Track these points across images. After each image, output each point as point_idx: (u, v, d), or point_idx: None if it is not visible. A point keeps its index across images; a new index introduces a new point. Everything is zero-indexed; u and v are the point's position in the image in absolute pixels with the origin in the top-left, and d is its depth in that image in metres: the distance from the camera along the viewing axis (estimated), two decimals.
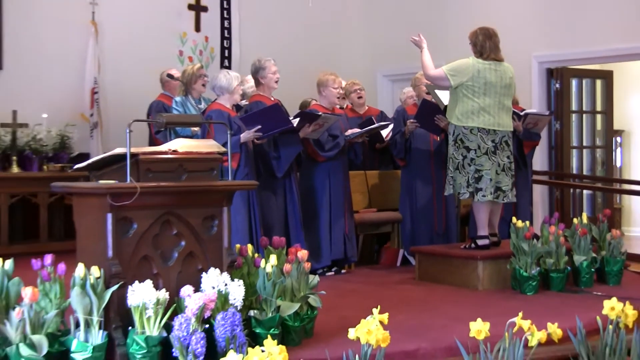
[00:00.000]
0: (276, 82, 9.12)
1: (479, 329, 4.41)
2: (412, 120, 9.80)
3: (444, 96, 9.09)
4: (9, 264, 5.28)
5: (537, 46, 12.84)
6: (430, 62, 8.69)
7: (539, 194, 12.87)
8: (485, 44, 8.60)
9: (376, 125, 10.04)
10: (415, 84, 10.18)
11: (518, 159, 9.34)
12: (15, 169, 11.39)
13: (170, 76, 10.85)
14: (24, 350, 4.86)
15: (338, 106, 9.90)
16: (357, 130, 9.77)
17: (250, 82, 9.60)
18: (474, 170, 8.48)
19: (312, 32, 14.40)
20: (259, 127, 8.49)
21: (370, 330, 4.16)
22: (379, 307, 4.39)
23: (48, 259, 5.35)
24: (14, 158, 11.42)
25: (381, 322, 4.25)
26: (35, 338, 4.93)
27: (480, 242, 8.66)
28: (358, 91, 10.76)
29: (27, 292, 4.95)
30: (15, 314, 4.92)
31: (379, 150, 10.64)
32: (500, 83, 8.58)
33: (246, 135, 8.44)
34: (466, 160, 8.52)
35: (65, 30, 12.28)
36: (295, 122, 8.90)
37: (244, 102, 9.27)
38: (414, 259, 9.48)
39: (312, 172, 9.49)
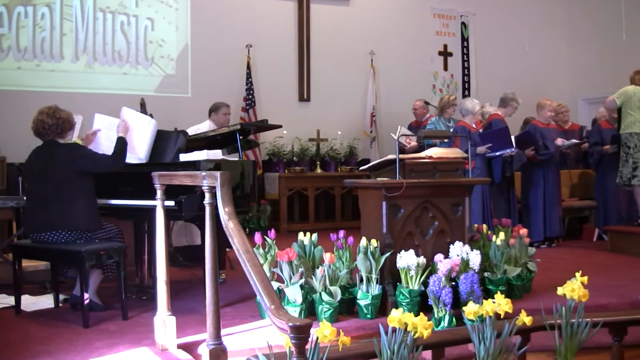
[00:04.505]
0: (513, 113, 9.23)
1: None
2: (610, 147, 9.50)
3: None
4: (314, 236, 5.40)
5: None
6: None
7: None
8: (635, 77, 8.67)
9: (577, 142, 9.83)
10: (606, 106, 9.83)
11: None
12: (318, 170, 11.69)
13: (426, 103, 10.84)
14: (325, 297, 4.96)
15: (551, 122, 9.60)
16: (566, 142, 9.43)
17: (487, 107, 9.50)
18: (632, 162, 8.49)
19: (528, 67, 13.99)
20: (490, 145, 8.43)
21: (574, 288, 3.99)
22: (580, 271, 4.19)
23: (341, 233, 5.46)
24: (318, 162, 11.73)
25: (582, 283, 4.06)
26: (333, 288, 5.02)
27: None
28: (565, 113, 10.54)
29: (327, 256, 5.05)
30: (319, 272, 5.03)
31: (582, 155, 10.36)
32: None
33: (480, 149, 8.37)
34: (628, 157, 8.53)
35: (352, 72, 12.49)
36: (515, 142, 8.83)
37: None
38: (606, 236, 9.21)
39: (531, 171, 9.24)
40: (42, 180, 5.48)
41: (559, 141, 9.26)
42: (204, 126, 8.55)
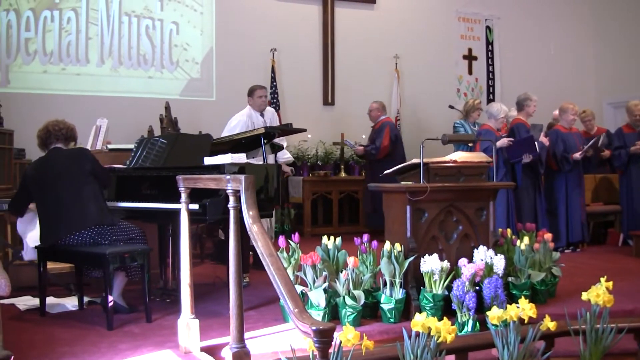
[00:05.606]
0: (534, 111, 9.04)
1: None
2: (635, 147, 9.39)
3: None
4: (338, 240, 5.41)
5: None
6: None
7: None
8: None
9: (591, 143, 9.47)
10: (628, 110, 9.76)
11: None
12: (342, 174, 11.68)
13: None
14: (348, 301, 4.97)
15: (574, 125, 9.52)
16: (579, 155, 9.18)
17: (512, 111, 9.44)
18: None
19: (553, 71, 13.96)
20: (511, 141, 8.38)
21: (599, 293, 3.97)
22: (605, 276, 4.17)
23: (365, 237, 5.45)
24: (342, 166, 11.73)
25: (607, 288, 4.04)
26: (356, 292, 5.03)
27: None
28: (589, 121, 10.48)
29: (350, 260, 5.06)
30: (342, 275, 5.04)
31: (605, 160, 10.25)
32: None
33: (501, 142, 8.34)
34: None
35: (377, 76, 12.51)
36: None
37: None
38: (632, 241, 9.09)
39: (553, 177, 9.26)
40: (55, 185, 5.54)
41: (576, 155, 9.10)
42: (245, 112, 8.51)
